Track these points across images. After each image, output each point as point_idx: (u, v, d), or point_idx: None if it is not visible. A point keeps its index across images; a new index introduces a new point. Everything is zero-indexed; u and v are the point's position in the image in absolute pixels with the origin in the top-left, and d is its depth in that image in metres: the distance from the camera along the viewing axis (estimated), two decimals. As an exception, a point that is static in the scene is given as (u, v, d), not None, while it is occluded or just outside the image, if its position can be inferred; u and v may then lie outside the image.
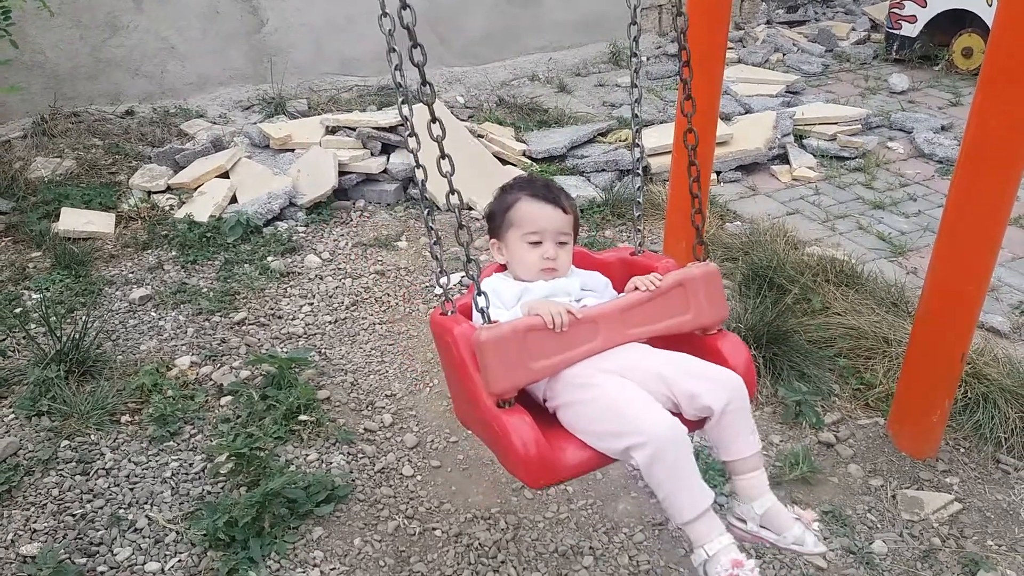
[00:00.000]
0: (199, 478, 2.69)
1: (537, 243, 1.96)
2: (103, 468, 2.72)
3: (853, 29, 7.64)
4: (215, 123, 5.28)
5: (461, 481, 2.72)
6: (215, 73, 5.64)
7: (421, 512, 2.60)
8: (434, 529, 2.54)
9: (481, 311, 1.69)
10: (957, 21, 6.50)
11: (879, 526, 2.54)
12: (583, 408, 1.73)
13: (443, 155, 1.62)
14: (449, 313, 1.81)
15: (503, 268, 2.06)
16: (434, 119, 1.62)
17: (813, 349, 3.26)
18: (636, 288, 1.86)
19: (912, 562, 2.41)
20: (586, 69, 6.82)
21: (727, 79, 6.26)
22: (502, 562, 2.43)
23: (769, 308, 3.26)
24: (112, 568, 2.38)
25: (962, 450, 2.83)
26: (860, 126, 5.49)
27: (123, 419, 2.92)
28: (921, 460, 2.78)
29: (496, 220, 2.03)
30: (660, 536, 2.51)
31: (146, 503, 2.60)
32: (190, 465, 2.74)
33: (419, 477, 2.74)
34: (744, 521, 1.79)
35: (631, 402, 1.67)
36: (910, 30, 6.78)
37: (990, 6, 6.13)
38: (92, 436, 2.84)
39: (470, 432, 2.88)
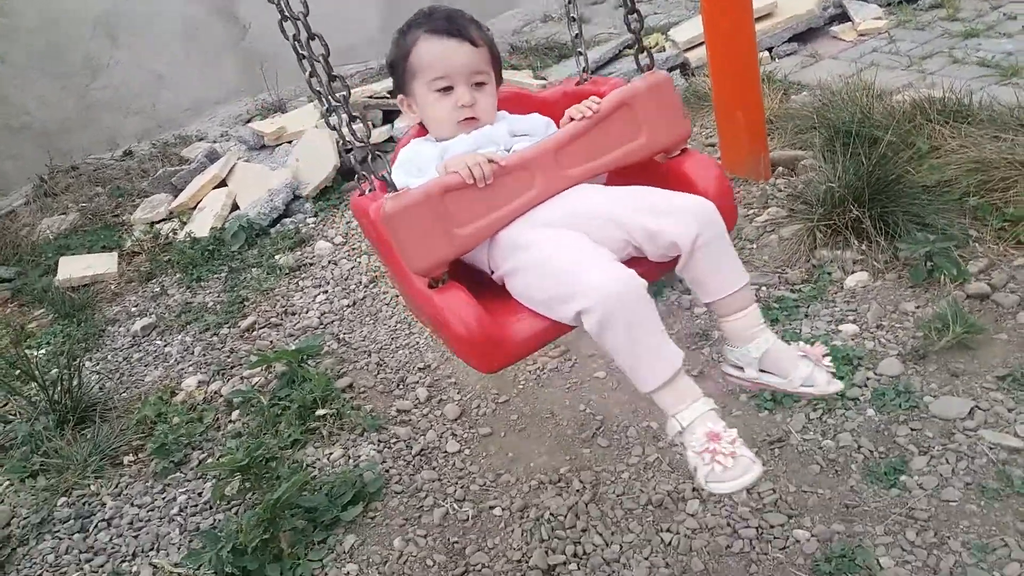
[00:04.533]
0: (209, 508, 2.22)
1: (447, 89, 1.57)
2: (103, 520, 2.28)
3: None
4: (216, 142, 4.91)
5: (518, 444, 2.17)
6: (209, 93, 5.28)
7: (474, 491, 2.05)
8: (491, 508, 1.99)
9: (383, 178, 1.35)
10: None
11: (1084, 382, 1.85)
12: (526, 274, 1.38)
13: None
14: (367, 192, 1.46)
15: (425, 131, 1.66)
16: None
17: (930, 198, 2.57)
18: (571, 119, 1.44)
19: None
20: (601, -4, 6.19)
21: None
22: (583, 530, 1.87)
23: (864, 160, 2.59)
24: (111, 634, 1.93)
25: None
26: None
27: (125, 460, 2.49)
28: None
29: (398, 70, 1.62)
30: (783, 455, 1.89)
31: (151, 549, 2.14)
32: (199, 495, 2.28)
33: (467, 451, 2.19)
34: (741, 368, 1.43)
35: (574, 259, 1.32)
36: None
37: None
38: (92, 486, 2.41)
39: (520, 388, 2.35)
